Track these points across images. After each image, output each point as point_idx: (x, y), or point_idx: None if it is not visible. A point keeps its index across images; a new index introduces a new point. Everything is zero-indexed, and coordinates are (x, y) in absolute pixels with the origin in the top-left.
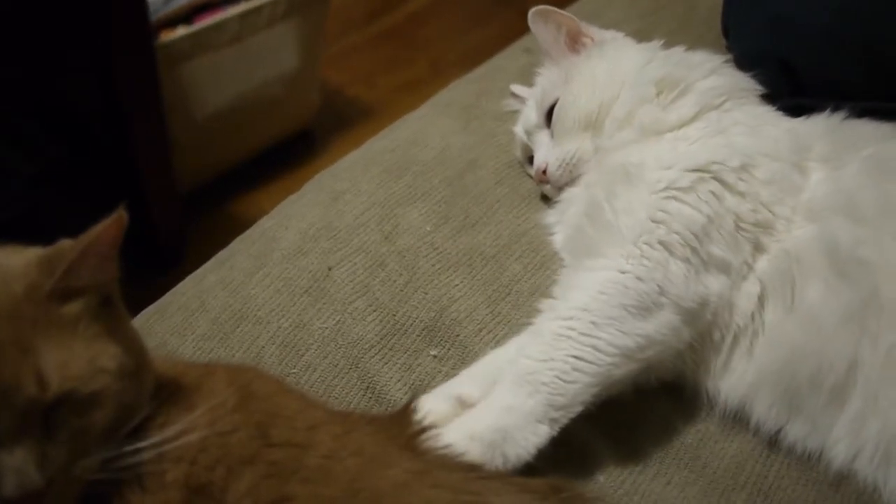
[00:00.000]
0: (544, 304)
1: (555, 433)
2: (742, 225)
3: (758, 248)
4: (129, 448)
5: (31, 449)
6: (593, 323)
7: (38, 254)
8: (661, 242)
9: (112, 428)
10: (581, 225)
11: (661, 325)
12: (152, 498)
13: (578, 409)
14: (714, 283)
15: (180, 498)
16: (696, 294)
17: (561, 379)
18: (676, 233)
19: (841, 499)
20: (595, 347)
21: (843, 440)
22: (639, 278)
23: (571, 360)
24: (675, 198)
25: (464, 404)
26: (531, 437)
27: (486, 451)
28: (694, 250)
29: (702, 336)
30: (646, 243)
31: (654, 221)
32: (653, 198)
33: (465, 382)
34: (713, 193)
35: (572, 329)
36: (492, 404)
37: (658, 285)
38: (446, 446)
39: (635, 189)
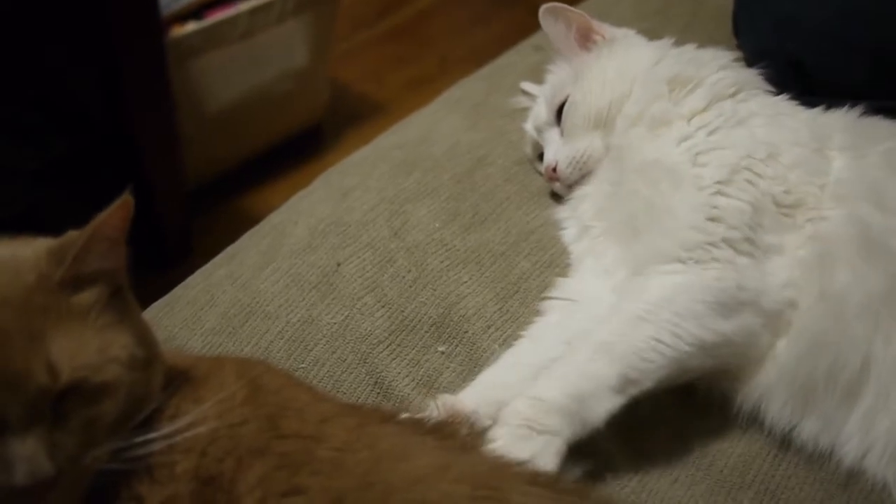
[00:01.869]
0: (569, 292)
1: (625, 403)
2: (781, 209)
3: (796, 227)
4: (139, 439)
5: (42, 437)
6: (678, 314)
7: (47, 244)
8: (724, 240)
9: (122, 418)
10: (634, 222)
11: (740, 327)
12: (162, 489)
13: (649, 385)
14: (779, 268)
15: (190, 489)
16: (773, 287)
17: (639, 356)
18: (735, 227)
19: (849, 498)
20: (676, 334)
21: (854, 437)
22: (717, 279)
23: (652, 341)
24: (720, 192)
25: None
26: (605, 404)
27: (565, 419)
28: (752, 243)
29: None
30: (711, 245)
31: (711, 220)
32: (701, 195)
33: (468, 399)
34: (748, 181)
35: (655, 315)
36: (566, 373)
37: (736, 283)
38: (478, 440)
39: (682, 189)
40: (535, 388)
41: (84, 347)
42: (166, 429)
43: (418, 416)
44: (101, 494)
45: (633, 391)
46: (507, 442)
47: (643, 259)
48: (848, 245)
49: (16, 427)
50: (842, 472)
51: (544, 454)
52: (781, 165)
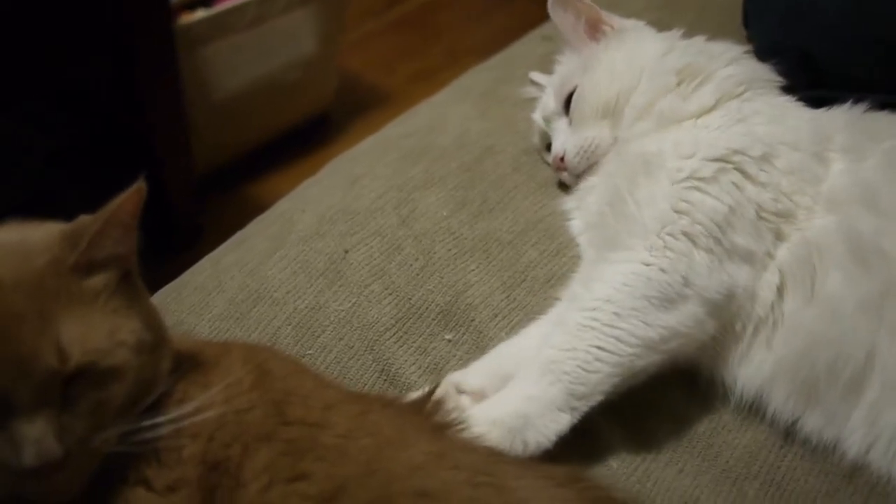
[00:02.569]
0: (566, 293)
1: (575, 421)
2: (763, 214)
3: (779, 237)
4: (146, 422)
5: (51, 420)
6: (616, 314)
7: (60, 228)
8: (684, 233)
9: (130, 402)
10: (603, 215)
11: (685, 317)
12: (169, 473)
13: (599, 398)
14: (738, 274)
15: (197, 474)
16: (721, 284)
17: (583, 368)
18: (699, 223)
19: (854, 490)
20: (618, 338)
21: (858, 431)
22: (662, 270)
23: (594, 350)
24: (697, 188)
25: (474, 397)
26: (551, 425)
27: (506, 437)
28: (717, 240)
29: (724, 327)
30: (669, 234)
31: (676, 212)
32: (675, 188)
33: (475, 377)
34: (734, 184)
35: (596, 320)
36: (514, 391)
37: (682, 276)
38: (466, 429)
39: (656, 179)
40: (494, 398)
41: (94, 331)
42: (174, 413)
43: (415, 399)
44: (109, 477)
45: (583, 407)
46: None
47: (600, 247)
48: (837, 251)
49: (25, 409)
50: (846, 465)
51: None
52: (776, 170)
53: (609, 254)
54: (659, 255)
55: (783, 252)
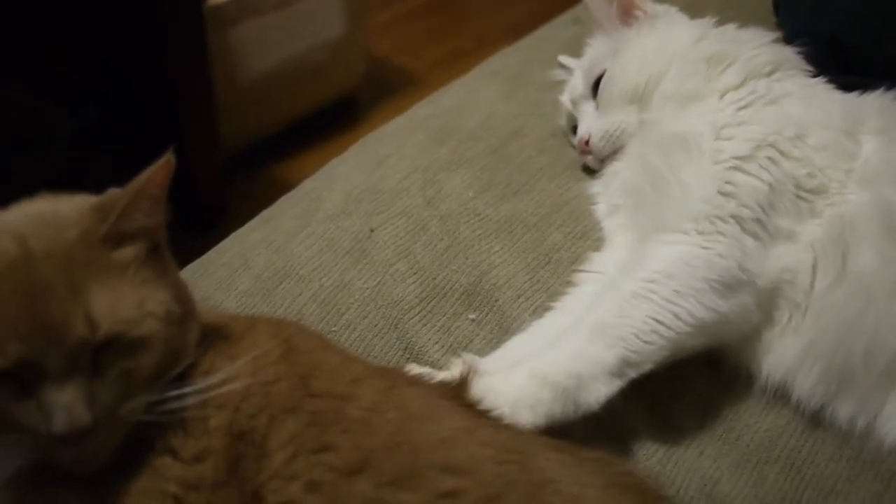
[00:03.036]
0: (600, 265)
1: (623, 387)
2: (801, 192)
3: (813, 213)
4: (173, 392)
5: (81, 387)
6: (677, 291)
7: (90, 201)
8: (732, 216)
9: (158, 372)
10: (643, 193)
11: (737, 306)
12: (196, 442)
13: (649, 367)
14: (784, 255)
15: (223, 444)
16: (771, 270)
17: (639, 338)
18: (745, 206)
19: (875, 475)
20: (676, 315)
21: (894, 419)
22: (720, 255)
23: (651, 321)
24: (738, 168)
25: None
26: (603, 388)
27: (559, 398)
28: (762, 224)
29: (766, 319)
30: (719, 218)
31: (723, 195)
32: (717, 169)
33: (487, 362)
34: (771, 160)
35: (654, 293)
36: (564, 350)
37: (737, 262)
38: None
39: (698, 160)
40: (541, 358)
41: (123, 302)
42: (200, 384)
43: (443, 379)
44: (137, 446)
45: (632, 373)
46: (499, 391)
47: (647, 228)
48: (871, 226)
49: (56, 376)
50: (882, 451)
51: (526, 416)
52: (808, 147)
53: (660, 234)
54: (713, 239)
55: (816, 229)
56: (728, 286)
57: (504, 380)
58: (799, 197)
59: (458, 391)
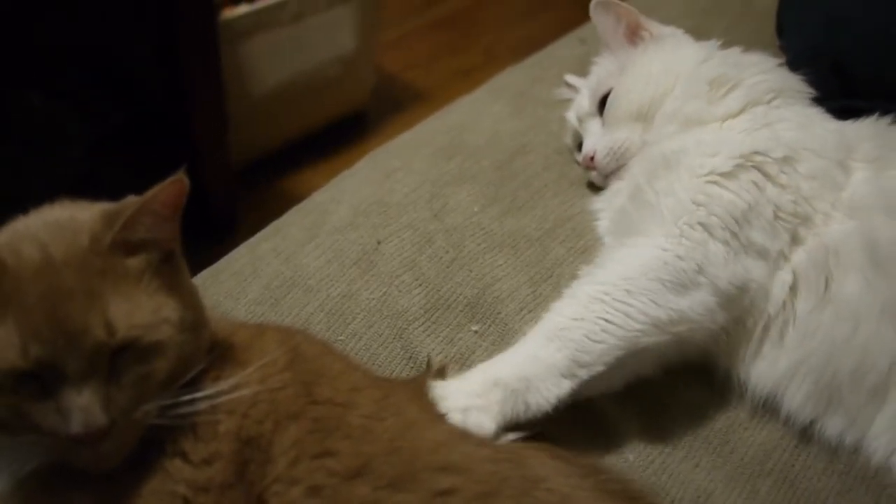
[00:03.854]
0: (582, 269)
1: (574, 388)
2: (781, 215)
3: (795, 239)
4: (185, 397)
5: (97, 390)
6: (628, 291)
7: (103, 208)
8: (700, 224)
9: (171, 377)
10: (624, 208)
11: (696, 304)
12: (205, 446)
13: (600, 368)
14: (753, 268)
15: (232, 448)
16: (735, 276)
17: (589, 338)
18: (716, 215)
19: (866, 489)
20: (626, 314)
21: (883, 436)
22: (679, 256)
23: (601, 322)
24: (716, 183)
25: None
26: (553, 389)
27: (508, 398)
28: (733, 234)
29: (735, 321)
30: (686, 224)
31: (695, 203)
32: (695, 181)
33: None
34: (754, 183)
35: (607, 294)
36: (517, 353)
37: (697, 264)
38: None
39: (677, 173)
40: (495, 361)
41: (139, 308)
42: (211, 389)
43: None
44: (150, 448)
45: (584, 374)
46: (449, 394)
47: (620, 236)
48: (855, 256)
49: (74, 379)
50: (860, 466)
51: (477, 419)
52: (798, 174)
53: (626, 239)
54: (675, 242)
55: (799, 254)
56: (683, 285)
57: (456, 386)
58: (778, 219)
59: None
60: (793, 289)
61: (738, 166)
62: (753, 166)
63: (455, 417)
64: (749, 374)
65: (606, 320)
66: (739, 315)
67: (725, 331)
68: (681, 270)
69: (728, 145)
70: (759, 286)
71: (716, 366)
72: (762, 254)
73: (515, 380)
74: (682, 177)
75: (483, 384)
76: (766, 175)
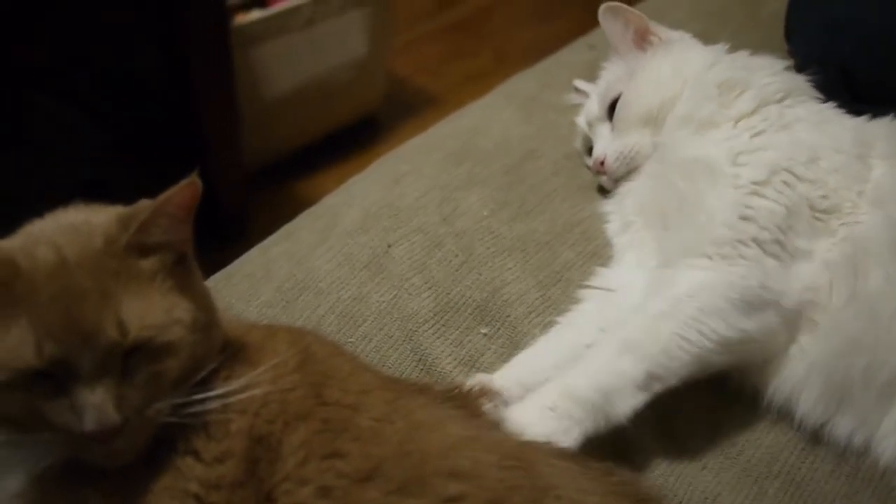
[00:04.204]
0: (586, 294)
1: (648, 401)
2: (816, 214)
3: (828, 233)
4: (197, 396)
5: (111, 389)
6: (700, 309)
7: (118, 211)
8: (753, 240)
9: (183, 376)
10: (666, 215)
11: (762, 325)
12: (217, 445)
13: (674, 382)
14: (804, 273)
15: (243, 447)
16: (794, 290)
17: (665, 354)
18: (765, 228)
19: (872, 492)
20: (700, 332)
21: (891, 436)
22: (742, 276)
23: (677, 338)
24: (756, 192)
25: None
26: (631, 401)
27: (589, 413)
28: (781, 245)
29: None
30: (740, 242)
31: (743, 219)
32: (737, 194)
33: (498, 379)
34: (786, 184)
35: (680, 311)
36: (593, 367)
37: (760, 282)
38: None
39: (718, 186)
40: (568, 376)
41: (151, 308)
42: (222, 389)
43: (447, 388)
44: (162, 446)
45: (658, 388)
46: (531, 419)
47: (673, 252)
48: (881, 248)
49: (87, 378)
50: (878, 469)
51: (563, 439)
52: (821, 170)
53: (684, 258)
54: (735, 262)
55: (831, 249)
56: (752, 305)
57: (529, 409)
58: (814, 217)
59: (462, 400)
60: (830, 287)
61: (771, 172)
62: (784, 169)
63: (535, 431)
64: (770, 380)
65: (682, 337)
66: (794, 333)
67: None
68: (747, 288)
69: (756, 154)
70: (812, 291)
71: (730, 372)
72: (808, 255)
73: (594, 392)
74: (725, 190)
75: (564, 397)
76: (795, 175)
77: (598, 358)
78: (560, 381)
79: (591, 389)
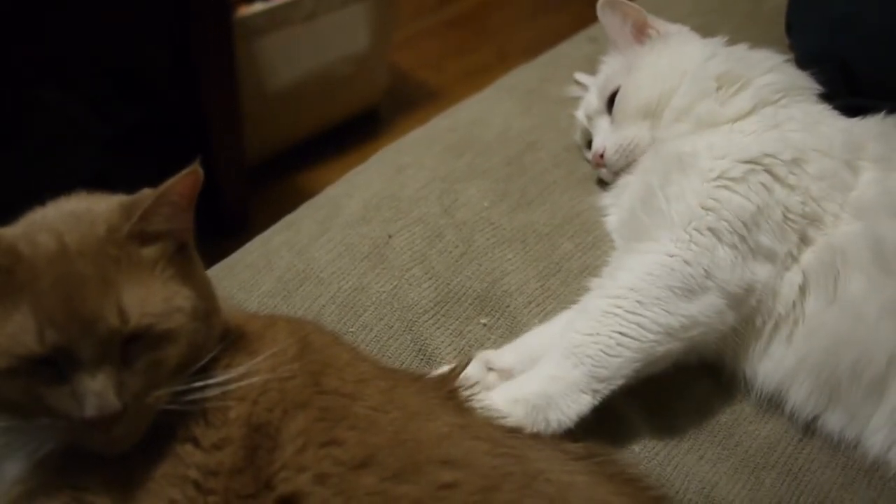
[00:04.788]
0: (593, 283)
1: (596, 403)
2: (790, 216)
3: (804, 240)
4: (197, 384)
5: (111, 375)
6: (639, 302)
7: (120, 200)
8: (709, 229)
9: (183, 364)
10: (634, 209)
11: (705, 308)
12: (216, 432)
13: (620, 381)
14: (760, 271)
15: (241, 434)
16: (742, 279)
17: (605, 353)
18: (725, 220)
19: (868, 483)
20: (640, 325)
21: (880, 431)
22: (686, 262)
23: (616, 335)
24: (726, 187)
25: (502, 375)
26: (573, 405)
27: (529, 414)
28: (742, 238)
29: (745, 321)
30: (695, 229)
31: (704, 208)
32: (705, 186)
33: (506, 356)
34: (763, 185)
35: (619, 307)
36: (538, 372)
37: (705, 269)
38: (488, 407)
39: (687, 177)
40: (515, 380)
41: (152, 296)
42: (221, 376)
43: (441, 375)
44: (162, 433)
45: (604, 389)
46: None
47: (630, 240)
48: (861, 256)
49: (88, 365)
50: (863, 460)
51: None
52: (806, 175)
53: (635, 244)
54: (683, 247)
55: (807, 254)
56: (692, 290)
57: (497, 398)
58: (787, 220)
59: (452, 390)
60: (802, 289)
61: (749, 170)
62: (763, 169)
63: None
64: (756, 372)
65: (621, 333)
66: (748, 314)
67: (735, 331)
68: (688, 276)
69: (737, 148)
70: (766, 287)
71: (723, 362)
72: (770, 256)
73: (537, 397)
74: (693, 181)
75: (506, 401)
76: (775, 177)
77: (543, 364)
78: (510, 384)
79: (533, 394)
